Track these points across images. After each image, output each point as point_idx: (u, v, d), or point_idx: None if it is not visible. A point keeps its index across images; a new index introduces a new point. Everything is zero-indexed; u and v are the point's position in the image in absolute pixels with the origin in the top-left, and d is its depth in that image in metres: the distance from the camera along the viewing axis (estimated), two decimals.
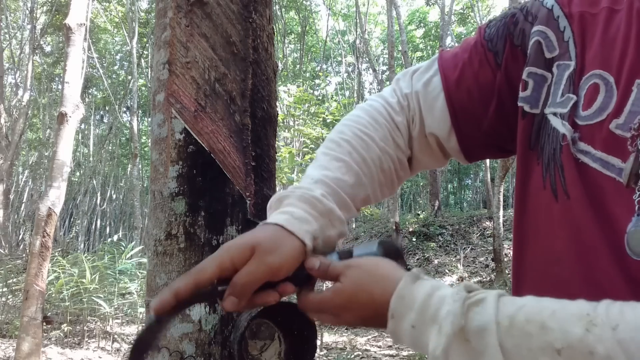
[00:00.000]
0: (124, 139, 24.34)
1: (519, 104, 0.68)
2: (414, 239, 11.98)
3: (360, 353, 6.11)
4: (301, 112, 9.17)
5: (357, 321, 0.60)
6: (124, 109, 23.11)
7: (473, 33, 0.81)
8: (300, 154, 8.52)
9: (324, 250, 0.67)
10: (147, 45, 18.52)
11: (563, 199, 0.60)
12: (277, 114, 1.12)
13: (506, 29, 0.72)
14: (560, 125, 0.62)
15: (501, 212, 9.14)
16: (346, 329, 7.63)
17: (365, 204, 0.76)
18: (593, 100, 0.59)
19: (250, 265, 0.59)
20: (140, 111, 21.15)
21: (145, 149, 22.42)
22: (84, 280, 6.99)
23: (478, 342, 0.50)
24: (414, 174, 0.85)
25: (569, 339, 0.46)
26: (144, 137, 23.34)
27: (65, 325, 6.87)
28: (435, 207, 13.51)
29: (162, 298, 0.57)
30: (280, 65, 15.82)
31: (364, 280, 0.59)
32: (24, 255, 11.55)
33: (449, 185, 25.02)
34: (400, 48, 14.40)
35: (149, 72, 17.84)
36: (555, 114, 0.63)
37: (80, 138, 21.58)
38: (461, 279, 10.08)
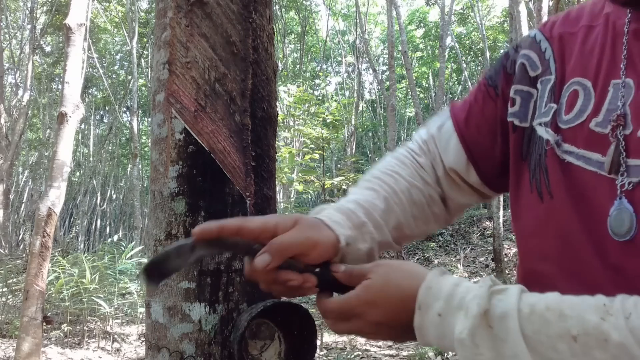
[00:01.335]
0: (124, 139, 24.33)
1: (509, 119, 0.73)
2: None
3: (360, 353, 6.11)
4: (301, 112, 9.18)
5: (381, 319, 0.60)
6: (124, 109, 23.09)
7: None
8: (300, 154, 8.52)
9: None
10: (147, 45, 18.52)
11: (547, 199, 0.65)
12: (277, 114, 1.12)
13: (501, 65, 0.79)
14: (543, 132, 0.67)
15: (501, 212, 9.14)
16: None
17: (401, 233, 0.78)
18: (573, 105, 0.65)
19: (292, 232, 0.63)
20: (140, 111, 21.13)
21: (145, 149, 22.42)
22: (84, 280, 6.99)
23: (500, 328, 0.52)
24: (456, 215, 0.89)
25: (585, 326, 0.49)
26: (144, 137, 23.33)
27: (65, 325, 6.87)
28: None
29: (207, 225, 0.61)
30: (280, 65, 15.81)
31: (393, 275, 0.61)
32: (24, 255, 11.55)
33: None
34: (400, 48, 14.40)
35: (149, 72, 17.83)
36: (540, 124, 0.68)
37: (80, 138, 21.57)
38: None
